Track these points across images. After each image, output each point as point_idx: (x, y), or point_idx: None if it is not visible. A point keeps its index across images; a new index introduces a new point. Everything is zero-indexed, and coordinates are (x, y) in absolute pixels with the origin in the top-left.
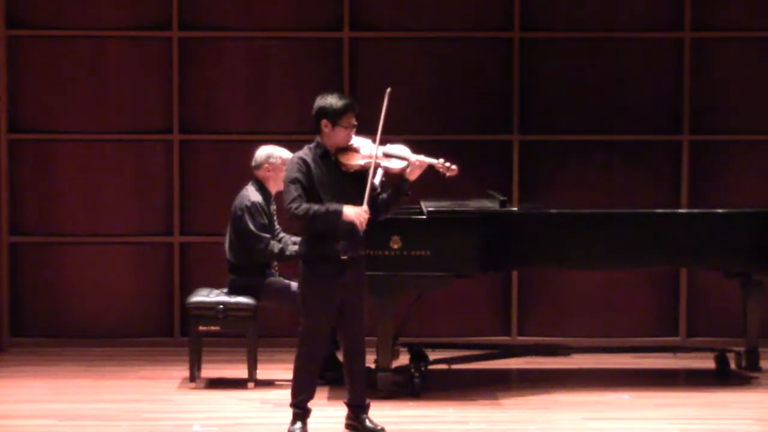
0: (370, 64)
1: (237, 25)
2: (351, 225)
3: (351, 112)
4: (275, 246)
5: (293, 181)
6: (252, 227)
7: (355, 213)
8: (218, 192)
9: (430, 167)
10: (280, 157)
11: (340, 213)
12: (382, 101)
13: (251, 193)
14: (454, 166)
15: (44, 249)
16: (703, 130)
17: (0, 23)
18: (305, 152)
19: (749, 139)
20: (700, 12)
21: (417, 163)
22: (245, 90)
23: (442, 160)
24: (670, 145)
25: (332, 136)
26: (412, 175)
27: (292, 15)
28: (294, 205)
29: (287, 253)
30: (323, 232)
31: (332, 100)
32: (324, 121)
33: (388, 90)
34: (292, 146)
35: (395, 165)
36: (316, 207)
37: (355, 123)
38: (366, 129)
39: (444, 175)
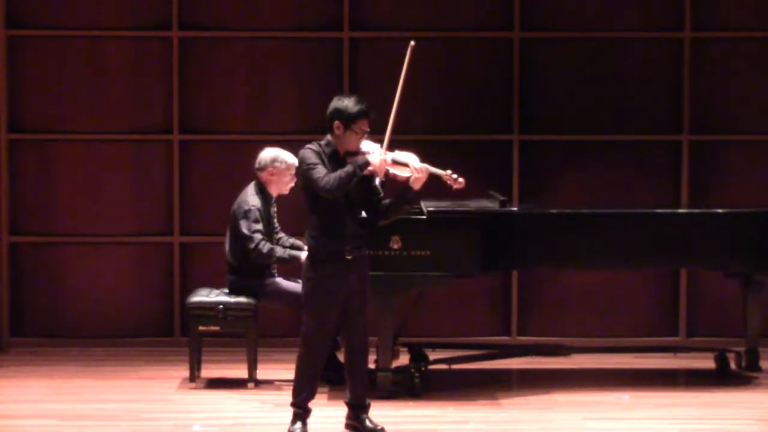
0: (370, 64)
1: (237, 25)
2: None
3: (365, 118)
4: (265, 246)
5: (315, 164)
6: (244, 230)
7: (379, 161)
8: (218, 192)
9: (438, 178)
10: (285, 162)
11: (366, 163)
12: (405, 56)
13: (250, 197)
14: (461, 179)
15: (44, 249)
16: (703, 130)
17: (0, 23)
18: (317, 147)
19: (749, 139)
20: (700, 12)
21: (421, 173)
22: (245, 90)
23: (449, 172)
24: (670, 145)
25: (343, 138)
26: (416, 184)
27: (292, 15)
28: (326, 179)
29: (277, 254)
30: (329, 232)
31: (349, 104)
32: (337, 123)
33: (412, 43)
34: (293, 146)
35: (401, 173)
36: (343, 170)
37: (368, 129)
38: (370, 129)
39: (451, 187)
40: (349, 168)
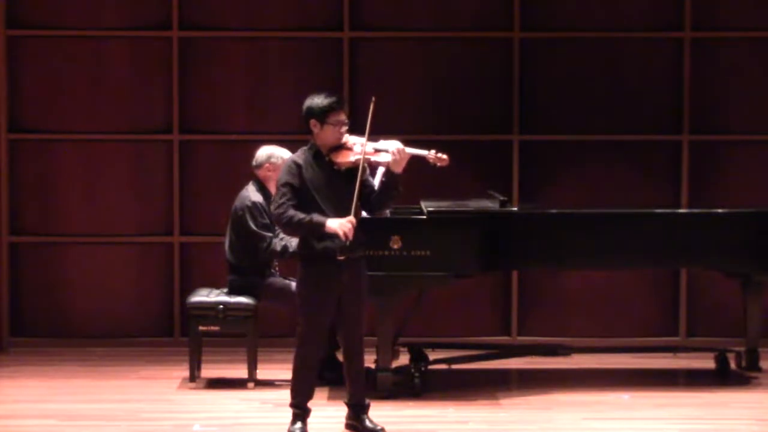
0: (370, 64)
1: (237, 25)
2: (336, 236)
3: (337, 109)
4: (278, 244)
5: (283, 184)
6: (253, 227)
7: (339, 224)
8: (218, 192)
9: (421, 158)
10: (281, 158)
11: (322, 225)
12: (368, 109)
13: (252, 193)
14: (444, 156)
15: (44, 249)
16: (703, 130)
17: (0, 23)
18: (298, 155)
19: (749, 139)
20: (700, 12)
21: (399, 155)
22: (245, 90)
23: (433, 152)
24: (670, 145)
25: (322, 135)
26: (396, 167)
27: (292, 15)
28: (280, 211)
29: (290, 250)
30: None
31: (318, 100)
32: (312, 121)
33: (373, 99)
34: (292, 146)
35: (383, 158)
36: (300, 216)
37: (345, 120)
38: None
39: (434, 165)
40: (307, 219)
